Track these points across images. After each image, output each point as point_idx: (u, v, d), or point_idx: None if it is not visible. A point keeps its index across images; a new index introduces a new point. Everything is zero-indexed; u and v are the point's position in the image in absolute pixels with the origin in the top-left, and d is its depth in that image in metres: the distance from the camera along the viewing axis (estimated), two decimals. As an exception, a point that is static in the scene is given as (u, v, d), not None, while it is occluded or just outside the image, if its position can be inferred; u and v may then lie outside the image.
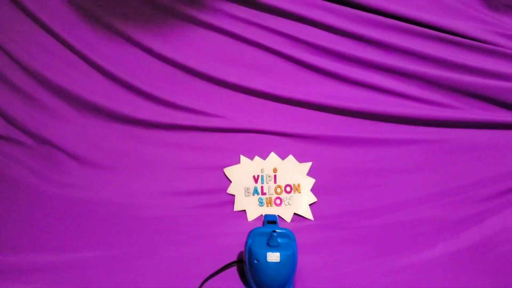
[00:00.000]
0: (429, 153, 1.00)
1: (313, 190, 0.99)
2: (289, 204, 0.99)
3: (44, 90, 1.10)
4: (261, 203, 0.99)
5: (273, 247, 0.64)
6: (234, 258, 0.76)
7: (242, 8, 1.02)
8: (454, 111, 1.00)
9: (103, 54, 1.07)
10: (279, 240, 0.65)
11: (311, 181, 1.00)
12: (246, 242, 0.67)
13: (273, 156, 1.02)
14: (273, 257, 0.63)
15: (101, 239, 0.82)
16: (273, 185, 1.01)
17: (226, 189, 1.01)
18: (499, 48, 0.96)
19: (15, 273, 0.68)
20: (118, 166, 1.05)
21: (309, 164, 1.01)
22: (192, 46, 1.05)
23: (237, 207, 0.99)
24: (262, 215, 0.97)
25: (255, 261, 0.64)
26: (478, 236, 0.81)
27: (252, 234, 0.67)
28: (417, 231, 0.86)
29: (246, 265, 0.67)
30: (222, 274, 0.71)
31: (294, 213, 0.98)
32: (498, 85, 0.96)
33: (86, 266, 0.72)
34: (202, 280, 0.68)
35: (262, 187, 1.01)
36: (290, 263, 0.64)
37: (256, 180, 1.01)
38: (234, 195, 1.00)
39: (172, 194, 1.01)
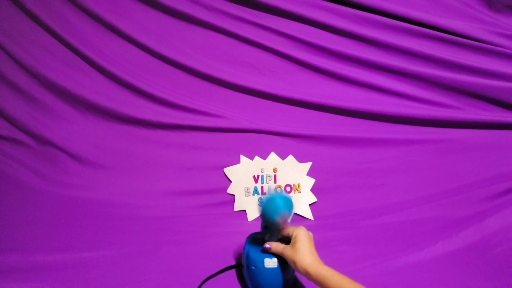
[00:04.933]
0: (429, 153, 1.00)
1: (313, 190, 0.99)
2: (289, 204, 0.99)
3: (45, 90, 1.10)
4: (261, 203, 1.00)
5: (270, 253, 0.62)
6: (234, 258, 0.76)
7: (242, 8, 1.02)
8: (454, 111, 1.00)
9: (104, 54, 1.07)
10: None
11: (311, 181, 1.00)
12: (244, 248, 0.66)
13: (273, 156, 1.02)
14: (271, 263, 0.61)
15: (102, 239, 0.82)
16: (273, 185, 1.01)
17: (226, 189, 1.01)
18: (499, 48, 0.96)
19: (15, 273, 0.68)
20: (118, 166, 1.05)
21: (309, 164, 1.01)
22: (192, 46, 1.05)
23: (237, 207, 0.99)
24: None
25: (253, 267, 0.62)
26: (477, 236, 0.81)
27: (249, 240, 0.66)
28: (416, 231, 0.86)
29: (244, 270, 0.66)
30: (221, 276, 0.71)
31: (294, 213, 0.98)
32: (498, 85, 0.96)
33: (86, 266, 0.72)
34: (202, 280, 0.68)
35: (262, 187, 1.01)
36: (288, 268, 0.62)
37: (256, 180, 1.01)
38: (234, 195, 1.00)
39: (173, 194, 1.01)
